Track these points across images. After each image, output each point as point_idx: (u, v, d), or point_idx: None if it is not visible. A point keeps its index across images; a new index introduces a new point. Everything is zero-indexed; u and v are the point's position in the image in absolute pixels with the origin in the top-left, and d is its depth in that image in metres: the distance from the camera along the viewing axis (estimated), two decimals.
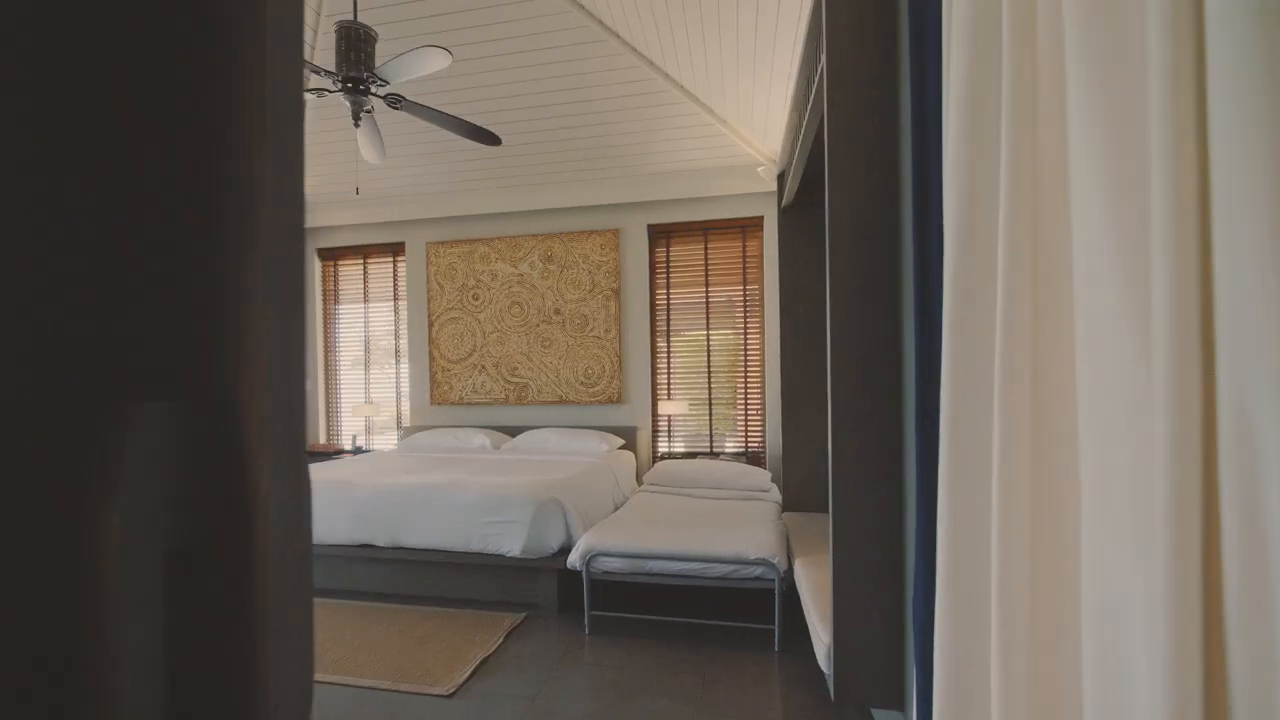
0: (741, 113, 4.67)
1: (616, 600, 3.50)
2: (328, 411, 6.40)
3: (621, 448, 5.41)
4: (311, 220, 6.13)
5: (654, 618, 3.31)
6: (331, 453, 5.94)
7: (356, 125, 3.56)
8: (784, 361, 4.23)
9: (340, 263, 6.32)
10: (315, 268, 6.31)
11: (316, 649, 2.98)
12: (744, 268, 5.54)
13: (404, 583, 3.68)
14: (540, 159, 5.38)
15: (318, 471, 4.18)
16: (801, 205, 4.06)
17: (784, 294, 4.21)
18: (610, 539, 3.23)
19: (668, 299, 5.70)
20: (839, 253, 1.92)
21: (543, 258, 5.75)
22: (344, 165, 5.59)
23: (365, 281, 6.28)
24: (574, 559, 3.25)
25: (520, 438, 5.33)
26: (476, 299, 5.89)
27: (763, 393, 5.45)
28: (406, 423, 6.11)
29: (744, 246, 5.54)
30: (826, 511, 4.15)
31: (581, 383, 5.70)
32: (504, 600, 3.55)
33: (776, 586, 3.05)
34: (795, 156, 3.45)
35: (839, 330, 1.91)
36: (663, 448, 5.73)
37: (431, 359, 6.00)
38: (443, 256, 5.95)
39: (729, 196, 5.42)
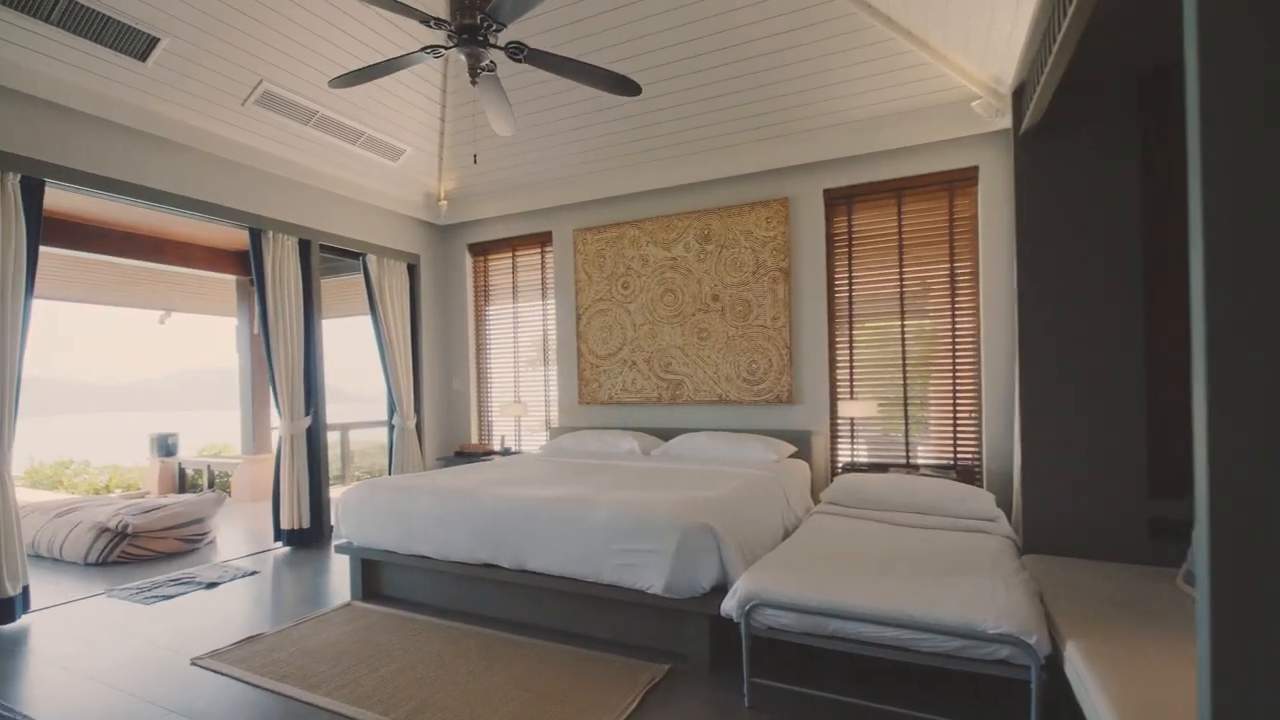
0: (952, 27, 3.55)
1: (787, 665, 2.63)
2: (479, 411, 6.24)
3: (792, 456, 4.50)
4: (461, 214, 6.01)
5: (839, 698, 2.40)
6: (481, 453, 5.73)
7: (473, 82, 3.11)
8: (1023, 347, 3.06)
9: (490, 257, 6.14)
10: (467, 264, 6.18)
11: (423, 688, 2.50)
12: (950, 234, 4.35)
13: (529, 610, 3.14)
14: (692, 121, 4.66)
15: (444, 478, 3.82)
16: (1057, 125, 2.89)
17: (1024, 254, 3.05)
18: (779, 583, 2.38)
19: (849, 278, 4.67)
20: (1221, 144, 0.93)
21: (699, 237, 5.02)
22: (496, 153, 5.33)
23: (514, 274, 6.02)
24: (729, 607, 2.45)
25: (673, 442, 4.63)
26: (626, 288, 5.32)
27: (977, 391, 4.21)
28: (555, 423, 5.72)
29: (950, 207, 4.35)
30: (1105, 559, 2.76)
31: (744, 379, 4.88)
32: (644, 646, 2.85)
33: (1034, 677, 1.99)
34: (1056, 48, 2.34)
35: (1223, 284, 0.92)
36: (843, 456, 4.70)
37: (579, 355, 5.54)
38: (590, 243, 5.48)
39: (930, 146, 4.27)
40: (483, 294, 6.20)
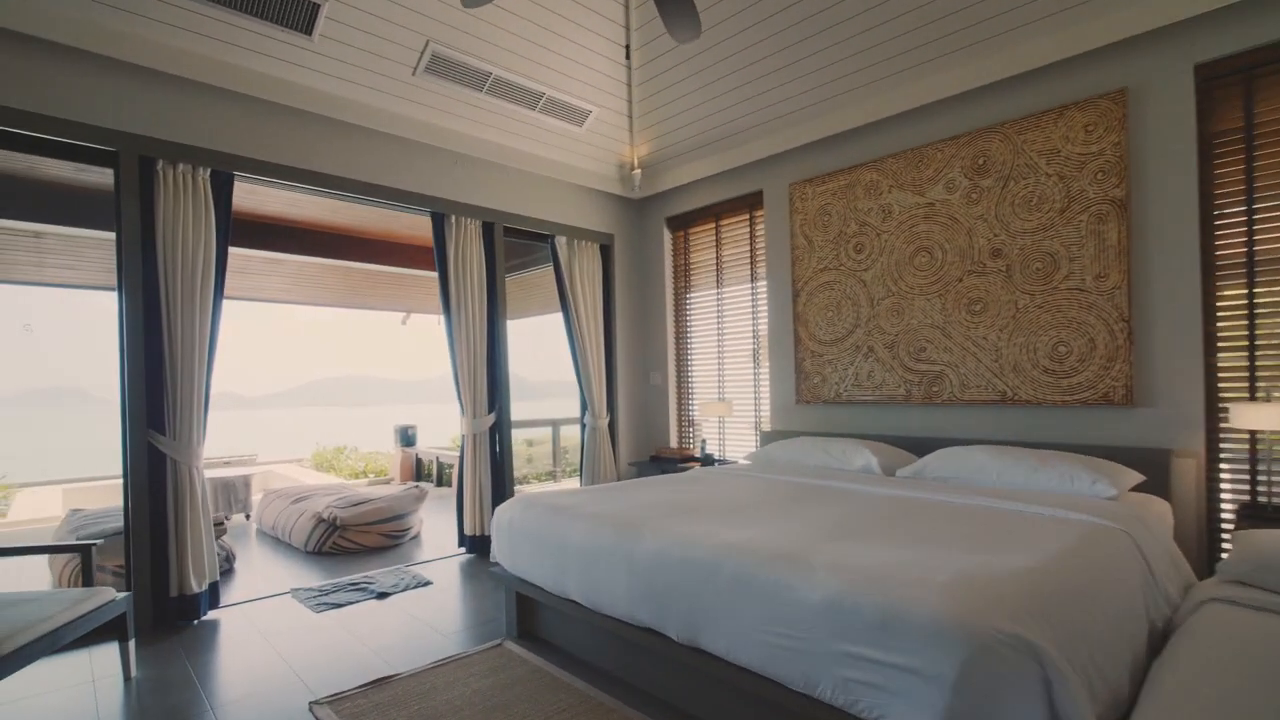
0: None
1: None
2: (679, 410, 5.40)
3: (1137, 488, 2.84)
4: (657, 183, 5.22)
5: None
6: (679, 459, 4.86)
7: None
8: None
9: (691, 230, 5.25)
10: (665, 240, 5.38)
11: None
12: None
13: (705, 705, 2.12)
14: (952, 3, 3.22)
15: (605, 500, 2.97)
16: None
17: None
18: None
19: (1248, 204, 2.82)
20: None
21: (969, 169, 3.54)
22: (692, 100, 4.44)
23: (718, 249, 5.05)
24: None
25: (930, 459, 3.25)
26: (860, 251, 4.02)
27: None
28: (767, 425, 4.62)
29: None
30: None
31: (1044, 369, 3.28)
32: None
33: None
34: None
35: None
36: (1237, 492, 2.85)
37: (796, 342, 4.37)
38: (811, 198, 4.27)
39: None
40: (683, 275, 5.34)
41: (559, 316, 5.05)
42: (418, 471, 8.35)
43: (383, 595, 3.53)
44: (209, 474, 6.32)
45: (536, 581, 2.71)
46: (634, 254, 5.50)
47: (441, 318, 4.31)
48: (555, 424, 8.33)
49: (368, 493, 5.22)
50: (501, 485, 4.50)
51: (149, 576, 3.09)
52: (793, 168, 4.38)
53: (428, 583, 3.76)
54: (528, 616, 2.93)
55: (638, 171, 5.13)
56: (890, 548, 1.95)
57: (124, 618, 2.58)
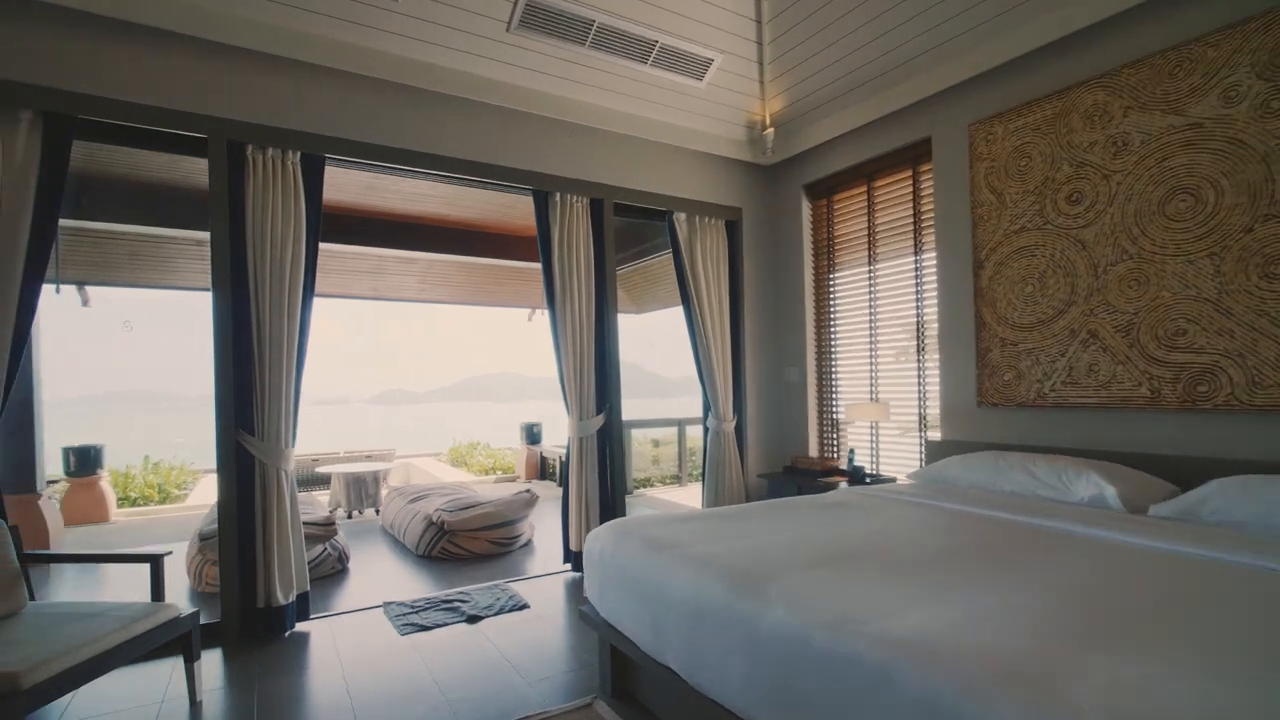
0: None
1: None
2: (819, 413, 4.54)
3: None
4: (793, 144, 4.40)
5: None
6: (819, 472, 4.03)
7: None
8: None
9: (836, 198, 4.38)
10: (804, 212, 4.55)
11: None
12: None
13: None
14: None
15: (714, 539, 2.25)
16: None
17: None
18: None
19: None
20: None
21: (1266, 67, 2.40)
22: (834, 40, 3.63)
23: (870, 216, 4.14)
24: None
25: (1208, 491, 2.19)
26: (1076, 202, 2.97)
27: None
28: (935, 433, 3.66)
29: None
30: None
31: None
32: None
33: None
34: None
35: None
36: None
37: (980, 326, 3.38)
38: (1000, 140, 3.27)
39: None
40: (825, 251, 4.48)
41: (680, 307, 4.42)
42: (541, 469, 8.17)
43: (473, 619, 3.13)
44: (341, 469, 6.49)
45: (629, 634, 2.10)
46: (766, 230, 4.73)
47: (545, 311, 3.86)
48: (681, 424, 7.73)
49: (478, 496, 4.94)
50: (610, 497, 3.97)
51: (237, 585, 2.90)
52: (973, 102, 3.39)
53: (524, 606, 3.31)
54: (624, 673, 2.33)
55: (770, 131, 4.36)
56: (1204, 672, 1.08)
57: (189, 636, 2.35)
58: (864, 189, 4.16)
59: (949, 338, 3.55)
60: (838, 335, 4.41)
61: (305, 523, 3.97)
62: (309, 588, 3.13)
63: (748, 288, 4.61)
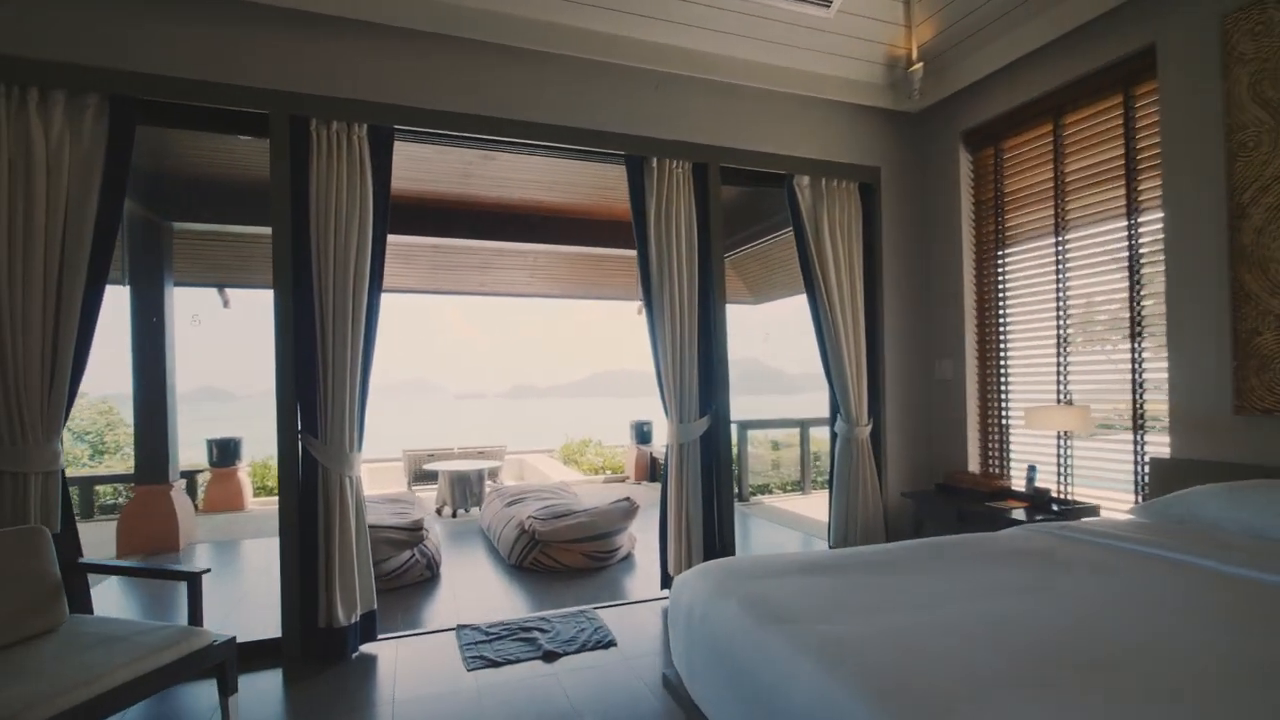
0: None
1: None
2: (983, 417, 3.62)
3: None
4: (947, 82, 3.51)
5: None
6: (986, 494, 3.16)
7: None
8: None
9: (1005, 144, 3.44)
10: (961, 167, 3.65)
11: None
12: None
13: None
14: None
15: (864, 595, 1.53)
16: None
17: None
18: None
19: None
20: None
21: None
22: None
23: (1057, 163, 3.18)
24: None
25: None
26: None
27: None
28: (1164, 449, 2.67)
29: None
30: None
31: None
32: None
33: None
34: None
35: None
36: None
37: (1240, 300, 2.39)
38: (1278, 30, 2.27)
39: None
40: (991, 214, 3.56)
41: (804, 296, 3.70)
42: (651, 471, 7.69)
43: (550, 656, 2.66)
44: (446, 467, 6.39)
45: None
46: (910, 192, 3.87)
47: (641, 303, 3.33)
48: (804, 424, 6.92)
49: (575, 503, 4.52)
50: (715, 516, 3.36)
51: (297, 601, 2.64)
52: None
53: (610, 642, 2.80)
54: None
55: (918, 68, 3.51)
56: None
57: (224, 667, 2.07)
58: (1049, 129, 3.21)
59: (1183, 320, 2.57)
60: (1009, 318, 3.48)
61: (391, 527, 3.74)
62: (375, 606, 2.81)
63: (887, 264, 3.78)
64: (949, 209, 3.70)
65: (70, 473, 8.05)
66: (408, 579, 3.77)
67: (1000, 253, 3.51)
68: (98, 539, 5.03)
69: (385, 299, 2.88)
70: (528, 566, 4.06)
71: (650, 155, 3.26)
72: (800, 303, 3.76)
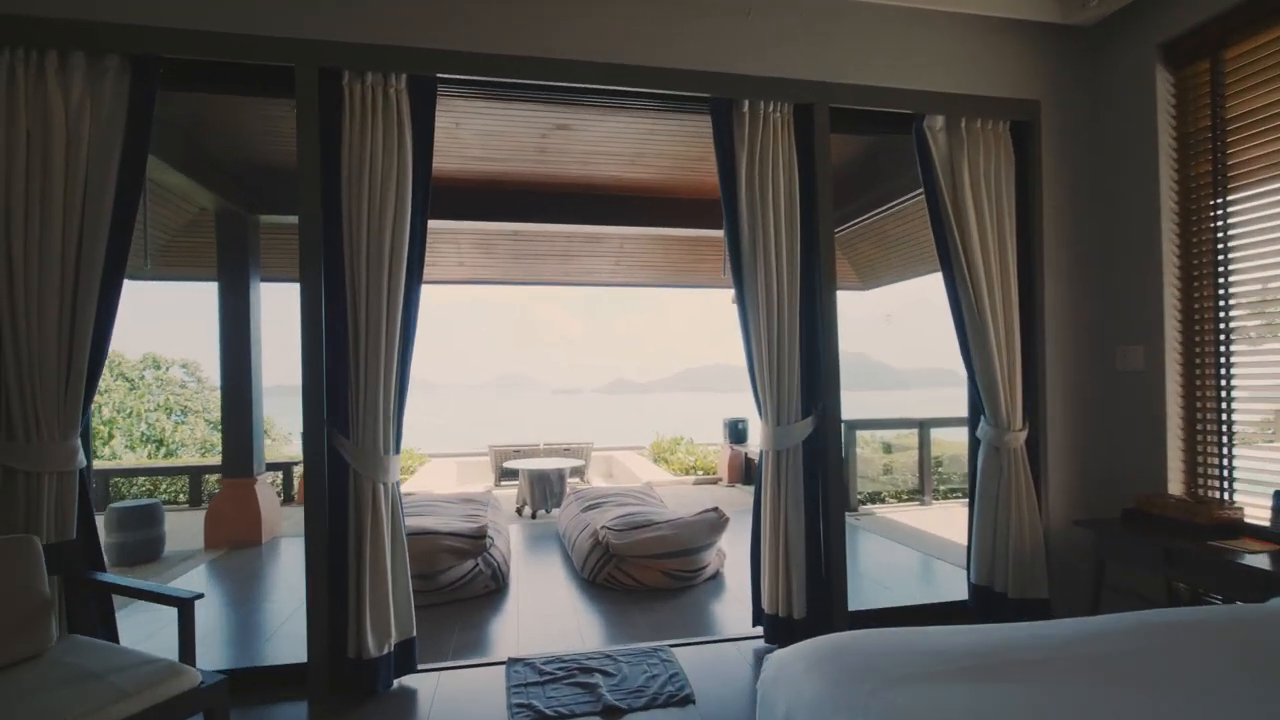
0: None
1: None
2: (1186, 422, 2.70)
3: None
4: None
5: None
6: (1205, 527, 2.30)
7: None
8: None
9: (1231, 53, 2.52)
10: (1156, 96, 2.75)
11: None
12: None
13: None
14: None
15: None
16: None
17: None
18: None
19: None
20: None
21: None
22: None
23: None
24: None
25: None
26: None
27: None
28: None
29: None
30: None
31: None
32: None
33: None
34: None
35: None
36: None
37: None
38: None
39: None
40: (1204, 154, 2.64)
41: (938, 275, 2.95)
42: (746, 474, 7.04)
43: (612, 712, 2.15)
44: (526, 465, 6.07)
45: None
46: (1081, 131, 3.01)
47: (731, 283, 2.73)
48: (923, 424, 6.01)
49: (656, 511, 3.99)
50: (822, 535, 2.71)
51: (326, 626, 2.30)
52: None
53: (687, 698, 2.25)
54: None
55: None
56: None
57: (213, 715, 1.72)
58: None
59: None
60: (1236, 288, 2.57)
61: (451, 534, 3.40)
62: (414, 633, 2.43)
63: (1048, 225, 2.96)
64: (1139, 148, 2.81)
65: (180, 462, 8.56)
66: (470, 591, 3.42)
67: (1217, 200, 2.60)
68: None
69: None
70: (601, 583, 3.60)
71: (740, 98, 2.65)
72: (917, 286, 3.04)
